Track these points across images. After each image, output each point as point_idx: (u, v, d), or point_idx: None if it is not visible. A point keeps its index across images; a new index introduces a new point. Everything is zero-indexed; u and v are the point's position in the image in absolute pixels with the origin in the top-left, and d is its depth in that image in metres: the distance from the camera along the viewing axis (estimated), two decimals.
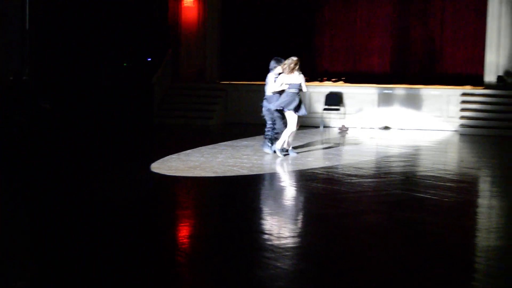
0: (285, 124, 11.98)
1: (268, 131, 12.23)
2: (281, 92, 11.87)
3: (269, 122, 12.18)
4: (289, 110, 11.76)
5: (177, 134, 16.94)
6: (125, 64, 21.71)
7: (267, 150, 12.23)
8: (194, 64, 20.65)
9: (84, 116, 19.00)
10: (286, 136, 11.91)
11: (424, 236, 6.76)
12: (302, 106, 11.84)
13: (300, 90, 11.81)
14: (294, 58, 11.72)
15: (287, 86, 11.73)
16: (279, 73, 11.90)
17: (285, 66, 11.69)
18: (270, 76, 12.07)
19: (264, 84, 12.28)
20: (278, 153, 11.90)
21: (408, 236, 6.76)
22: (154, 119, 19.15)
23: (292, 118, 11.83)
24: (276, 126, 12.11)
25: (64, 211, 7.73)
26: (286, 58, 11.90)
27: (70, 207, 7.94)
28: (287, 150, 12.10)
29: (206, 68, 20.57)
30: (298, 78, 11.73)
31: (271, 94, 12.00)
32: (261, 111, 12.35)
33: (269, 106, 11.99)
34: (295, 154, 12.05)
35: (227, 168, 10.69)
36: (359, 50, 20.86)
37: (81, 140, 15.03)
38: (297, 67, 11.72)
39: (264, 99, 12.19)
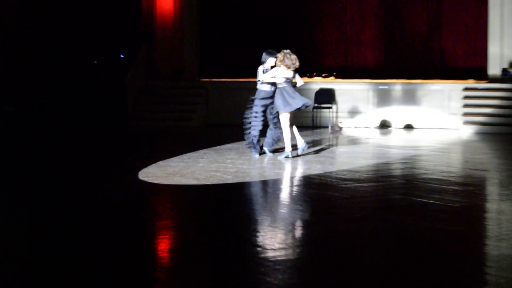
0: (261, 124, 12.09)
1: (253, 131, 12.16)
2: (273, 84, 11.88)
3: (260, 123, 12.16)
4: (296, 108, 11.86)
5: (154, 138, 16.78)
6: (95, 62, 21.53)
7: (254, 154, 12.18)
8: (171, 60, 20.46)
9: (55, 120, 18.80)
10: (287, 137, 11.88)
11: (429, 245, 6.65)
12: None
13: (294, 85, 11.92)
14: (288, 51, 11.76)
15: (283, 80, 11.72)
16: (272, 66, 11.91)
17: (292, 59, 11.67)
18: (260, 69, 12.04)
19: (254, 80, 12.31)
20: (284, 156, 11.89)
21: (412, 245, 6.65)
22: (128, 122, 18.96)
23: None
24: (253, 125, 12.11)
25: (48, 220, 7.60)
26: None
27: (50, 217, 7.81)
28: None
29: (184, 65, 20.43)
30: (292, 72, 11.77)
31: (261, 88, 11.99)
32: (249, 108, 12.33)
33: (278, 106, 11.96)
34: (271, 154, 12.17)
35: (210, 174, 10.56)
36: (350, 43, 20.83)
37: (55, 147, 14.85)
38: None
39: (252, 98, 12.20)
